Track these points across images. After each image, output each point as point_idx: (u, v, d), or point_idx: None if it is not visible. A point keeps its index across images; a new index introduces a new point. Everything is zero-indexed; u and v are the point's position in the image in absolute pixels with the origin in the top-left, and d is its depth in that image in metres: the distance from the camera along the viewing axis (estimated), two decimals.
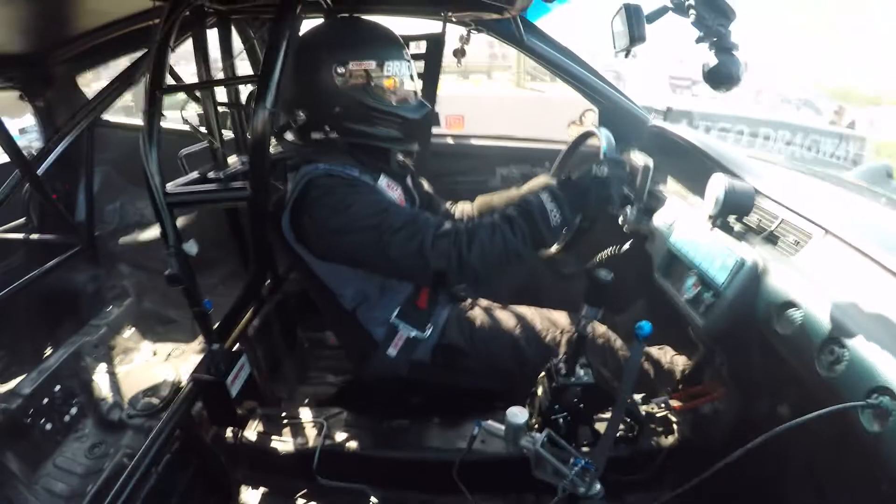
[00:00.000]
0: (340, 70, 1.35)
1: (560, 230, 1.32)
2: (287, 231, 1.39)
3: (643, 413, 1.44)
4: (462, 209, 1.84)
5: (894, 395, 0.87)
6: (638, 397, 1.50)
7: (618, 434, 1.26)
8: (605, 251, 1.78)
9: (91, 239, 2.41)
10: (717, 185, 1.38)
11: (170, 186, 1.24)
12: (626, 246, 1.75)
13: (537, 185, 1.68)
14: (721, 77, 1.18)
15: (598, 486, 0.99)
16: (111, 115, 2.35)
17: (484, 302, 1.66)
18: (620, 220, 1.72)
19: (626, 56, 1.37)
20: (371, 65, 1.37)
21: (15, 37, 1.74)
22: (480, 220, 1.32)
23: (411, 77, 1.46)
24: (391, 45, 1.42)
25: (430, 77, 2.03)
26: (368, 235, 1.28)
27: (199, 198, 1.31)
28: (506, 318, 1.59)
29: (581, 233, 1.48)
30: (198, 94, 1.52)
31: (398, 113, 1.42)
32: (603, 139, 1.45)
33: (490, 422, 1.11)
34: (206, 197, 1.34)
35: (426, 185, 1.79)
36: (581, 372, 1.20)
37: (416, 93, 1.49)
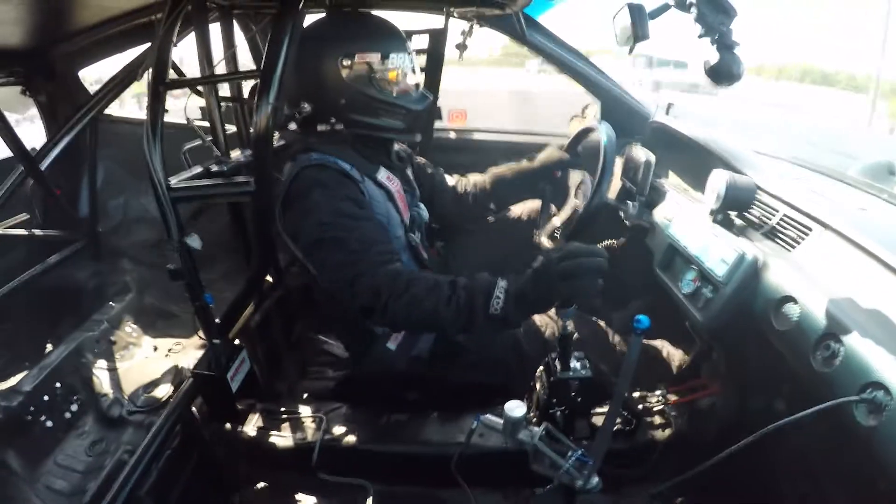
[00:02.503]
0: (346, 62, 1.37)
1: (497, 322, 1.15)
2: (279, 223, 1.40)
3: (640, 407, 1.44)
4: (474, 181, 1.86)
5: (888, 389, 0.87)
6: (635, 392, 1.50)
7: (615, 428, 1.27)
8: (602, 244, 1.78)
9: (94, 234, 2.42)
10: (718, 179, 1.38)
11: (173, 181, 1.24)
12: (620, 240, 1.76)
13: (548, 158, 1.77)
14: (722, 74, 1.18)
15: (596, 479, 0.99)
16: (114, 110, 2.36)
17: None
18: (622, 214, 1.72)
19: (630, 53, 1.38)
20: (376, 57, 1.39)
21: (17, 31, 1.75)
22: (426, 274, 1.25)
23: (413, 70, 1.48)
24: (395, 39, 1.44)
25: (433, 71, 2.03)
26: (318, 248, 1.28)
27: (202, 192, 1.31)
28: None
29: None
30: (200, 88, 1.52)
31: (401, 104, 1.43)
32: (603, 134, 1.46)
33: (488, 416, 1.11)
34: (210, 192, 1.34)
35: (428, 166, 1.82)
36: (578, 366, 1.20)
37: (418, 85, 1.51)
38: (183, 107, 1.45)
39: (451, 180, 1.87)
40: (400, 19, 1.56)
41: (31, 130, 2.29)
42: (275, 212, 1.38)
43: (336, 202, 1.30)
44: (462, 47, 2.03)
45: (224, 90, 1.63)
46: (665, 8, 1.25)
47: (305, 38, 1.39)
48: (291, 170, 1.36)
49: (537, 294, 1.12)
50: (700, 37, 1.18)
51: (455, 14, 1.94)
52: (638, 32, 1.29)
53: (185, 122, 1.36)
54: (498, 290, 1.14)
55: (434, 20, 2.00)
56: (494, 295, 1.14)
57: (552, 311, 1.60)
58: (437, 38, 2.00)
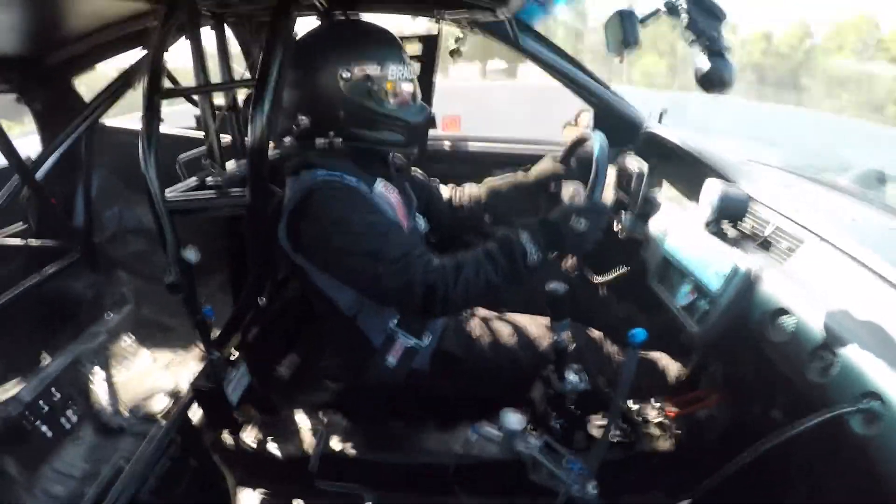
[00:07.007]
0: (345, 74, 1.34)
1: (537, 268, 1.33)
2: (284, 239, 1.39)
3: (638, 418, 1.44)
4: (469, 192, 1.84)
5: (884, 399, 0.88)
6: (633, 403, 1.50)
7: (613, 439, 1.27)
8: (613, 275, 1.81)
9: (90, 245, 2.41)
10: (712, 190, 1.39)
11: (169, 193, 1.23)
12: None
13: (543, 171, 1.73)
14: (714, 81, 1.18)
15: (594, 489, 1.00)
16: (109, 119, 2.35)
17: (481, 310, 1.65)
18: (616, 226, 1.72)
19: (621, 61, 1.38)
20: (375, 68, 1.36)
21: (11, 38, 1.74)
22: (464, 256, 1.33)
23: (411, 80, 1.45)
24: (394, 49, 1.42)
25: (426, 78, 2.02)
26: (364, 261, 1.28)
27: (198, 205, 1.31)
28: (502, 325, 1.59)
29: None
30: (195, 97, 1.51)
31: (401, 117, 1.41)
32: (596, 144, 1.46)
33: (486, 426, 1.12)
34: (206, 204, 1.33)
35: (423, 178, 1.81)
36: (576, 378, 1.21)
37: (415, 96, 1.48)
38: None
39: (445, 192, 1.86)
40: (390, 24, 1.52)
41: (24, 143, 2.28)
42: (274, 225, 1.38)
43: (360, 215, 1.31)
44: (456, 53, 2.02)
45: (219, 100, 1.63)
46: (655, 14, 1.26)
47: (303, 49, 1.37)
48: (297, 186, 1.35)
49: (554, 240, 1.33)
50: (690, 43, 1.19)
51: (447, 19, 1.93)
52: (628, 39, 1.30)
53: (180, 131, 1.36)
54: (527, 245, 1.31)
55: (427, 25, 1.99)
56: (528, 251, 1.30)
57: (548, 322, 1.61)
58: (430, 44, 1.98)
